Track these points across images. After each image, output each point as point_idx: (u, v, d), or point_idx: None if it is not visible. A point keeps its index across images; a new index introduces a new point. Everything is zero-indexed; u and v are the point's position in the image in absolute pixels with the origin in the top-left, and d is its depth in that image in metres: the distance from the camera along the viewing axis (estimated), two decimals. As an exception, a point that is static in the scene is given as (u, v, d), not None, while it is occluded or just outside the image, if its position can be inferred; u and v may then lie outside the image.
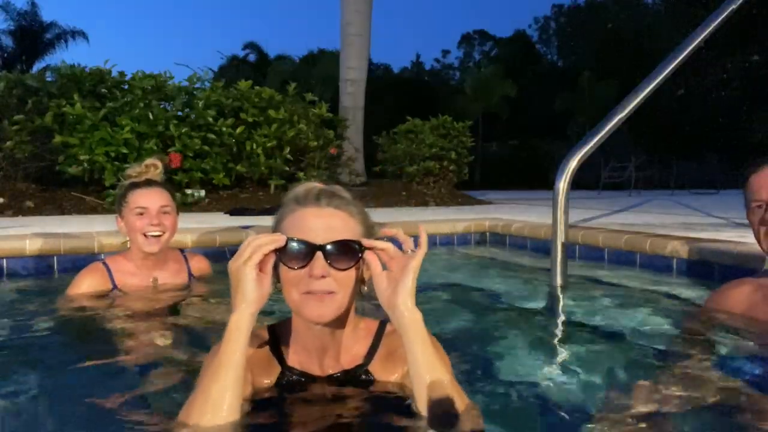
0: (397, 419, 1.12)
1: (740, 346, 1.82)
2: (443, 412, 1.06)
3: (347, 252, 1.12)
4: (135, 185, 2.33)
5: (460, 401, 1.08)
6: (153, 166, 2.39)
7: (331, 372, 1.21)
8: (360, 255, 1.13)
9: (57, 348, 1.87)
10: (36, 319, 2.21)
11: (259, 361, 1.21)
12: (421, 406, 1.08)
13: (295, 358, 1.22)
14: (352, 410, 1.16)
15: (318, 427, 1.13)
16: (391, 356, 1.23)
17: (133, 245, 2.35)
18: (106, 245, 3.36)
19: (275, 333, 1.25)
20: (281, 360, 1.22)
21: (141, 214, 2.28)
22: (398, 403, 1.15)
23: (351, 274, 1.13)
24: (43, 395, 1.47)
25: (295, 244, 1.11)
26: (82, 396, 1.46)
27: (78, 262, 3.25)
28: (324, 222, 1.12)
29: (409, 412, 1.10)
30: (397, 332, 1.13)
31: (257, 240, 1.09)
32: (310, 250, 1.10)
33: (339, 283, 1.11)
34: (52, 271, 3.26)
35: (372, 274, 1.14)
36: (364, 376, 1.22)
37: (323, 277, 1.09)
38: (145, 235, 2.29)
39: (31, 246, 3.28)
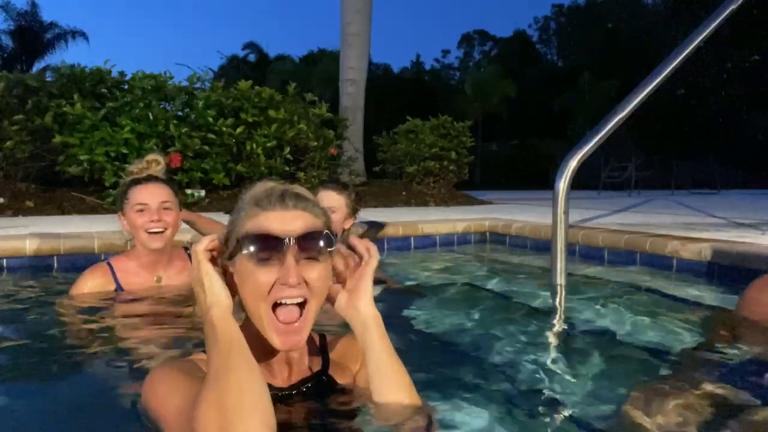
0: (367, 415, 1.15)
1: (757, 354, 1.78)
2: (403, 406, 1.12)
3: (320, 239, 1.07)
4: (136, 182, 2.28)
5: (417, 397, 1.14)
6: (155, 162, 2.35)
7: (293, 382, 1.16)
8: (333, 243, 1.10)
9: (58, 349, 1.86)
10: (35, 320, 2.21)
11: None
12: (381, 400, 1.12)
13: None
14: (326, 415, 1.14)
15: None
16: (342, 359, 1.25)
17: (137, 243, 2.30)
18: (106, 245, 3.36)
19: None
20: None
21: (141, 210, 2.22)
22: (361, 400, 1.18)
23: (324, 278, 1.09)
24: (44, 396, 1.47)
25: (260, 236, 1.03)
26: (85, 397, 1.46)
27: (78, 262, 3.25)
28: (290, 223, 1.06)
29: (372, 409, 1.14)
30: (341, 339, 1.25)
31: (196, 246, 1.10)
32: (279, 242, 1.03)
33: (312, 288, 1.06)
34: (52, 271, 3.26)
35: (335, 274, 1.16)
36: (326, 381, 1.20)
37: (298, 283, 1.03)
38: (147, 232, 2.24)
39: (31, 246, 3.29)
